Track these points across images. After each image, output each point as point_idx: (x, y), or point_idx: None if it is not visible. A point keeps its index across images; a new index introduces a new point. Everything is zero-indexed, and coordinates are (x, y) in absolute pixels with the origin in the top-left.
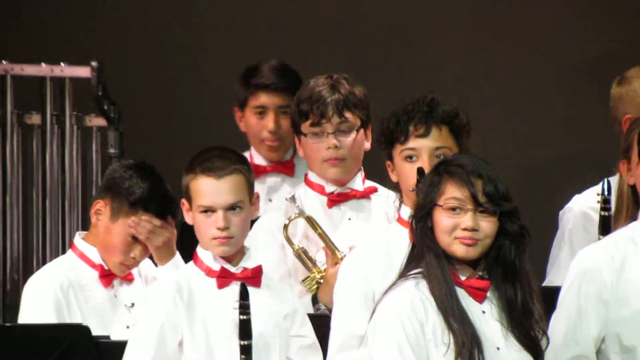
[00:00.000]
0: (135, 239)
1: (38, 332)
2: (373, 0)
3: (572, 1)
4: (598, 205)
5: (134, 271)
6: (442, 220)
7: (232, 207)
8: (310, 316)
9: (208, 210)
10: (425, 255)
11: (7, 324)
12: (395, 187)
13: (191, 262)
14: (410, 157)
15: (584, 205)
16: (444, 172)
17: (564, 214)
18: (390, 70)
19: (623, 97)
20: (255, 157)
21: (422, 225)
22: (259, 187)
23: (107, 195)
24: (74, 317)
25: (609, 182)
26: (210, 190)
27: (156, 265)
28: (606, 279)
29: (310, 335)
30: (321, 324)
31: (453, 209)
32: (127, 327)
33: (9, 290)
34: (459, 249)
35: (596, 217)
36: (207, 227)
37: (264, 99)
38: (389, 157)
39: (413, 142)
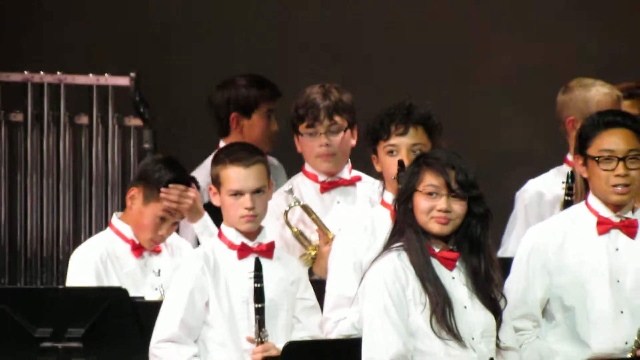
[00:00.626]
0: (162, 219)
1: (84, 293)
2: (357, 19)
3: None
4: (549, 187)
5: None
6: (421, 203)
7: (257, 191)
8: (312, 282)
9: (237, 193)
10: (406, 231)
11: (59, 287)
12: (379, 175)
13: (216, 237)
14: (391, 151)
15: (537, 187)
16: (423, 163)
17: (520, 194)
18: (371, 78)
19: (566, 103)
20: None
21: (404, 207)
22: None
23: (140, 184)
24: (111, 282)
25: (572, 173)
26: (239, 176)
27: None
28: (549, 252)
29: (312, 298)
30: (320, 288)
31: (430, 193)
32: (155, 289)
33: (62, 260)
34: (434, 227)
35: (548, 197)
36: (236, 208)
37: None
38: (374, 151)
39: (394, 140)
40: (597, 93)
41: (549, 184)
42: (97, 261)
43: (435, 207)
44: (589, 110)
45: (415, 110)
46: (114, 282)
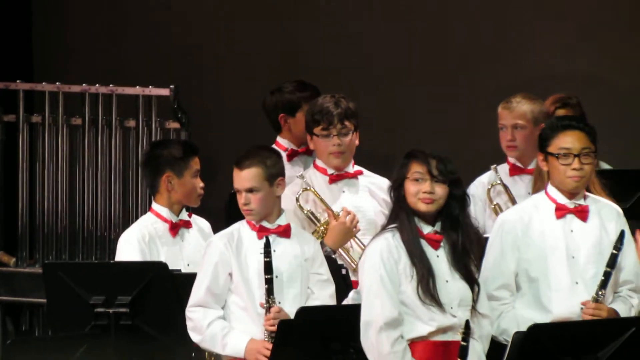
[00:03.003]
0: (196, 176)
1: (130, 267)
2: (357, 34)
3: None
4: (487, 182)
5: (193, 223)
6: (410, 187)
7: (249, 190)
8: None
9: (237, 191)
10: (399, 214)
11: (110, 261)
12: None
13: (244, 220)
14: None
15: (480, 182)
16: (410, 156)
17: (470, 188)
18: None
19: (502, 112)
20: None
21: (397, 192)
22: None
23: (167, 168)
24: (153, 257)
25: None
26: (236, 177)
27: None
28: (518, 232)
29: (325, 273)
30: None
31: (417, 179)
32: (187, 264)
33: (112, 239)
34: (421, 206)
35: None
36: (239, 202)
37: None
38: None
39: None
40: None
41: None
42: (141, 240)
43: (421, 190)
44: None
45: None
46: (155, 257)
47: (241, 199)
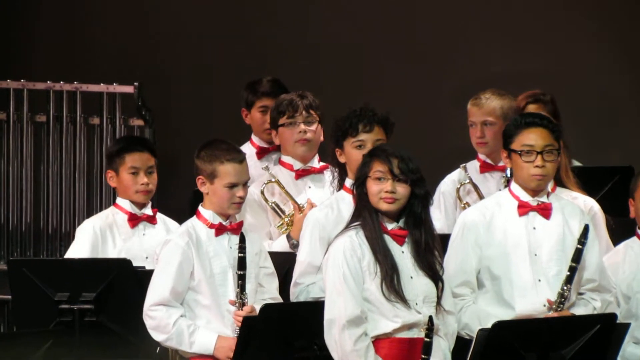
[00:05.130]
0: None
1: (95, 263)
2: (335, 31)
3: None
4: (457, 181)
5: (160, 220)
6: (372, 186)
7: (246, 182)
8: (279, 254)
9: (233, 185)
10: (362, 212)
11: (74, 258)
12: (339, 165)
13: (194, 217)
14: (359, 145)
15: (451, 180)
16: (373, 154)
17: (442, 184)
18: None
19: (471, 109)
20: (258, 142)
21: (359, 190)
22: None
23: (107, 165)
24: (107, 247)
25: (510, 171)
26: (236, 171)
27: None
28: (480, 229)
29: (270, 266)
30: (285, 259)
31: (379, 178)
32: (146, 257)
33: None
34: (383, 206)
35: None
36: (230, 196)
37: (266, 101)
38: (339, 146)
39: (361, 136)
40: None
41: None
42: (94, 229)
43: (383, 190)
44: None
45: (377, 113)
46: (108, 246)
47: (240, 192)
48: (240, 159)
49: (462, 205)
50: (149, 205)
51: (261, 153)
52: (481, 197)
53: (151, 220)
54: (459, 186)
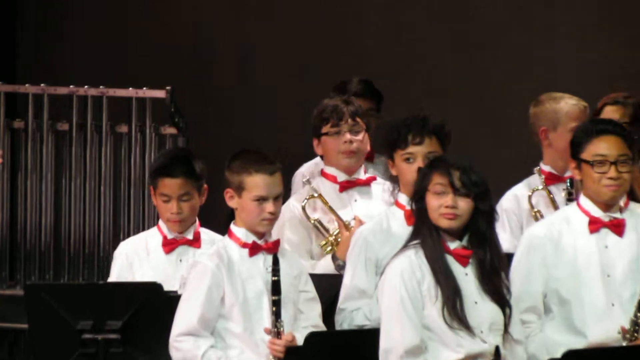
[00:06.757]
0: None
1: (121, 288)
2: (375, 33)
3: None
4: (525, 193)
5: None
6: (431, 201)
7: (277, 197)
8: (323, 276)
9: (262, 199)
10: (422, 229)
11: (99, 282)
12: (392, 178)
13: (226, 237)
14: (408, 159)
15: (513, 195)
16: (432, 166)
17: (503, 201)
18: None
19: (538, 115)
20: None
21: (419, 206)
22: None
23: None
24: (133, 272)
25: (572, 180)
26: (265, 183)
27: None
28: (547, 248)
29: (312, 290)
30: (332, 282)
31: (438, 192)
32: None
33: (102, 257)
34: (443, 222)
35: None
36: (259, 212)
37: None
38: (391, 157)
39: (411, 149)
40: (566, 105)
41: (520, 196)
42: (125, 253)
43: (443, 204)
44: (558, 120)
45: (430, 121)
46: (136, 271)
47: (270, 207)
48: (272, 170)
49: (534, 214)
50: (191, 228)
51: None
52: (556, 207)
53: (192, 243)
54: (530, 193)
